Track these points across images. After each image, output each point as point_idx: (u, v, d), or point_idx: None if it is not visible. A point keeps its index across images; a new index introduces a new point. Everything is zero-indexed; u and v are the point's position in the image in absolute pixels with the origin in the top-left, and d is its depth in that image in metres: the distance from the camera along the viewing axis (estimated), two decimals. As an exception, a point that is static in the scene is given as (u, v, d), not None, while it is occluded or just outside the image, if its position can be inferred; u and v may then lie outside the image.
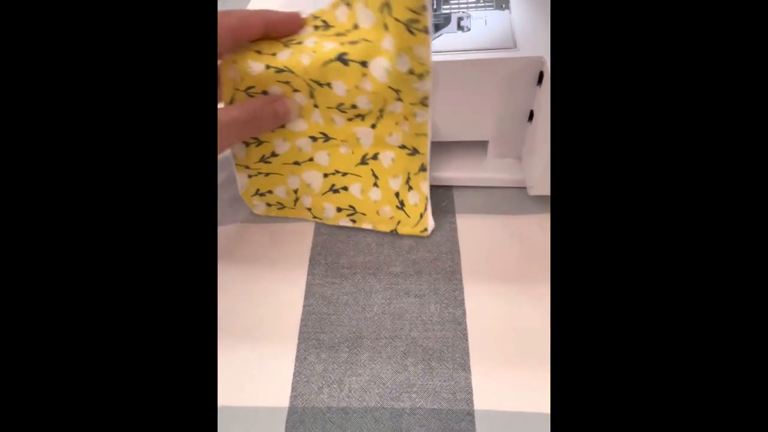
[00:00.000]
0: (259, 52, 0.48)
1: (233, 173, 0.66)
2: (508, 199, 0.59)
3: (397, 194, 0.54)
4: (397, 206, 0.54)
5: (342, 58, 0.46)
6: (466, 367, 0.46)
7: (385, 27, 0.44)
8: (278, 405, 0.45)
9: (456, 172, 0.59)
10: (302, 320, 0.51)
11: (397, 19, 0.43)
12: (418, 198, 0.54)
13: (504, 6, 0.51)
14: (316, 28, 0.47)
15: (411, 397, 0.45)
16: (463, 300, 0.51)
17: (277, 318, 0.52)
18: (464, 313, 0.50)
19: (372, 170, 0.55)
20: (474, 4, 0.52)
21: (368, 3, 0.44)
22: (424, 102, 0.49)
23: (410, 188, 0.54)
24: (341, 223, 0.56)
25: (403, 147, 0.53)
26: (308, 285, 0.54)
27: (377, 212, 0.55)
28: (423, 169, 0.53)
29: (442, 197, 0.60)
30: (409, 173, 0.54)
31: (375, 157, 0.54)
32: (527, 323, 0.48)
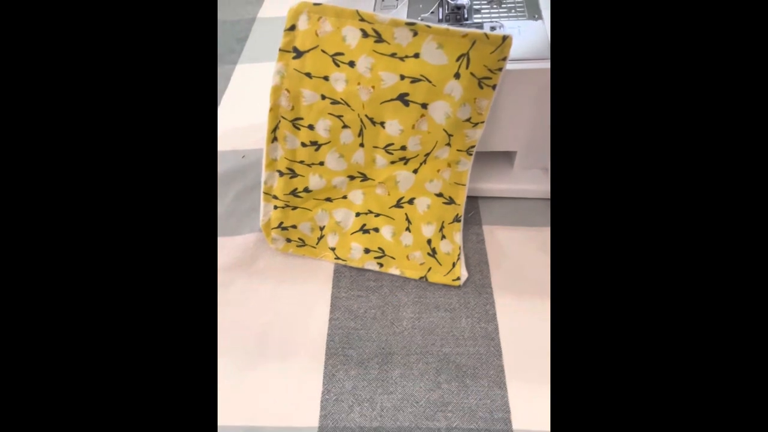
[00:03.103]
0: (309, 76, 0.48)
1: (253, 181, 0.64)
2: (534, 210, 0.58)
3: (429, 241, 0.53)
4: (428, 253, 0.53)
5: (403, 99, 0.46)
6: (501, 385, 0.45)
7: (456, 76, 0.44)
8: (307, 425, 0.44)
9: (482, 182, 0.58)
10: (329, 335, 0.50)
11: (472, 74, 0.44)
12: (450, 248, 0.53)
13: (537, 16, 0.51)
14: (366, 35, 0.45)
15: (446, 416, 0.43)
16: (494, 314, 0.50)
17: (302, 333, 0.50)
18: (496, 329, 0.49)
19: (406, 214, 0.53)
20: (506, 14, 0.52)
21: (444, 45, 0.43)
22: (469, 151, 0.50)
23: (443, 237, 0.53)
24: (367, 266, 0.54)
25: (440, 195, 0.52)
26: (333, 298, 0.53)
27: (407, 257, 0.53)
28: (458, 219, 0.53)
29: (469, 208, 0.59)
30: (443, 222, 0.53)
31: (411, 201, 0.53)
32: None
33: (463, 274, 0.52)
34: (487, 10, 0.53)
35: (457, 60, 0.44)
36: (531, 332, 0.48)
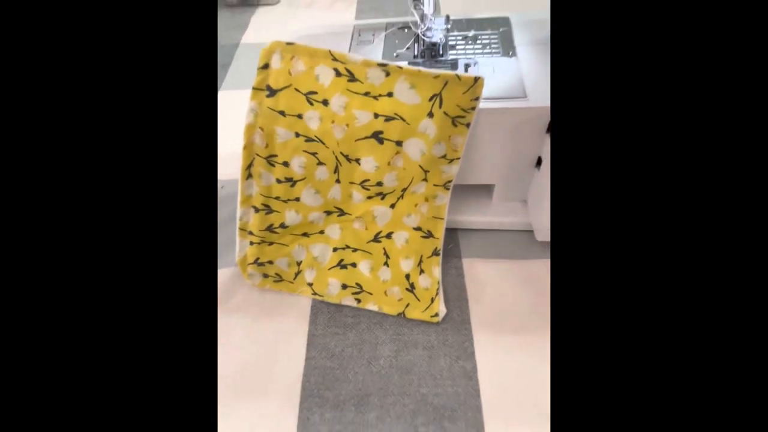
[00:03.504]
0: (283, 114, 0.48)
1: (229, 214, 0.64)
2: (514, 242, 0.58)
3: (407, 276, 0.52)
4: (407, 288, 0.52)
5: (378, 137, 0.46)
6: (479, 427, 0.44)
7: (429, 115, 0.44)
8: (281, 472, 0.42)
9: (461, 215, 0.58)
10: (305, 375, 0.48)
11: (445, 113, 0.45)
12: (429, 282, 0.52)
13: (511, 53, 0.51)
14: (339, 74, 0.45)
15: (423, 462, 0.42)
16: (473, 352, 0.49)
17: (278, 373, 0.49)
18: (475, 367, 0.48)
19: (384, 249, 0.53)
20: (480, 51, 0.52)
21: (416, 85, 0.44)
22: (447, 185, 0.50)
23: (422, 271, 0.52)
24: (344, 302, 0.53)
25: (418, 229, 0.52)
26: (310, 336, 0.52)
27: (385, 292, 0.52)
28: (436, 253, 0.52)
29: (448, 241, 0.58)
30: (421, 256, 0.53)
31: (389, 236, 0.53)
32: (541, 377, 0.46)
33: (442, 310, 0.51)
34: (462, 47, 0.53)
35: (430, 100, 0.44)
36: (510, 370, 0.47)
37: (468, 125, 0.45)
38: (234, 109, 0.81)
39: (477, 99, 0.44)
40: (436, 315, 0.51)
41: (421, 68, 0.43)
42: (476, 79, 0.43)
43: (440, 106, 0.44)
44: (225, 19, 1.04)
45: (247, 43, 0.96)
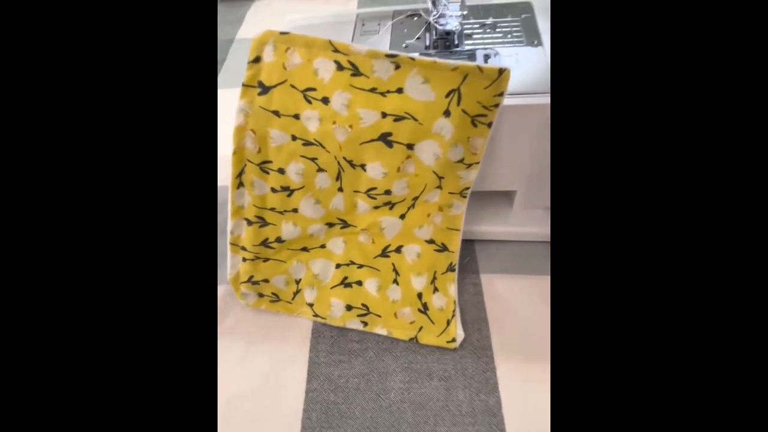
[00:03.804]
0: (277, 114, 0.42)
1: (223, 224, 0.58)
2: (537, 255, 0.52)
3: (419, 295, 0.46)
4: (419, 309, 0.46)
5: (386, 139, 0.40)
6: (506, 475, 0.38)
7: (446, 113, 0.38)
8: None
9: (479, 225, 0.52)
10: (305, 411, 0.43)
11: (464, 111, 0.39)
12: (444, 302, 0.46)
13: (536, 42, 0.45)
14: (341, 67, 0.39)
15: None
16: (496, 384, 0.43)
17: (275, 408, 0.43)
18: (499, 402, 0.42)
19: (393, 264, 0.47)
20: (501, 40, 0.46)
21: (430, 79, 0.38)
22: (463, 193, 0.44)
23: (436, 289, 0.46)
24: (349, 325, 0.47)
25: (431, 242, 0.46)
26: (311, 364, 0.46)
27: (395, 314, 0.46)
28: (452, 269, 0.46)
29: (464, 254, 0.52)
30: (435, 272, 0.46)
31: (398, 250, 0.47)
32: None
33: (459, 334, 0.45)
34: (479, 36, 0.47)
35: (447, 96, 0.38)
36: (539, 405, 0.41)
37: (489, 125, 0.39)
38: (229, 110, 0.75)
39: (501, 95, 0.38)
40: (453, 340, 0.45)
41: (437, 59, 0.37)
42: (501, 71, 0.37)
43: (458, 104, 0.38)
44: (220, 14, 0.98)
45: (242, 38, 0.91)
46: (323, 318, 0.48)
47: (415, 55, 0.38)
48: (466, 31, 0.47)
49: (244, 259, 0.48)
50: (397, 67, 0.38)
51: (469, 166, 0.42)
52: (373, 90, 0.39)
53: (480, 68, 0.37)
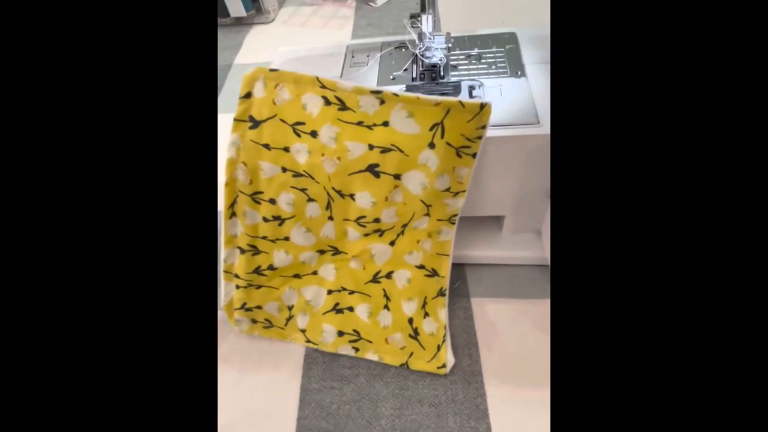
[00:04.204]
0: (268, 147, 0.43)
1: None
2: (528, 279, 0.52)
3: (410, 320, 0.47)
4: (410, 335, 0.47)
5: (373, 170, 0.41)
6: (496, 504, 0.38)
7: (431, 146, 0.40)
8: None
9: (469, 249, 0.53)
10: (297, 439, 0.43)
11: (448, 143, 0.40)
12: (435, 327, 0.47)
13: (519, 73, 0.46)
14: (328, 102, 0.41)
15: None
16: (486, 410, 0.43)
17: (266, 436, 0.43)
18: (489, 429, 0.42)
19: (384, 290, 0.48)
20: (485, 71, 0.47)
21: (415, 113, 0.39)
22: (452, 220, 0.45)
23: (426, 314, 0.47)
24: (341, 351, 0.48)
25: (421, 267, 0.47)
26: (303, 390, 0.46)
27: (386, 340, 0.47)
28: (442, 293, 0.47)
29: (454, 278, 0.53)
30: (426, 297, 0.47)
31: (389, 275, 0.48)
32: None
33: (450, 360, 0.46)
34: (465, 66, 0.48)
35: (431, 129, 0.39)
36: (529, 431, 0.42)
37: (474, 155, 0.41)
38: (227, 134, 0.77)
39: (484, 127, 0.39)
40: (444, 366, 0.45)
41: (420, 95, 0.38)
42: (482, 106, 0.38)
43: (442, 136, 0.39)
44: (219, 40, 1.00)
45: (240, 64, 0.93)
46: (315, 344, 0.48)
47: (399, 89, 0.39)
48: (452, 62, 0.49)
49: (238, 287, 0.48)
50: (382, 102, 0.39)
51: (456, 194, 0.43)
52: (360, 123, 0.40)
53: (462, 103, 0.38)
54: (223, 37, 1.01)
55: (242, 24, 1.05)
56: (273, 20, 1.05)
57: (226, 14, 1.02)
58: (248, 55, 0.95)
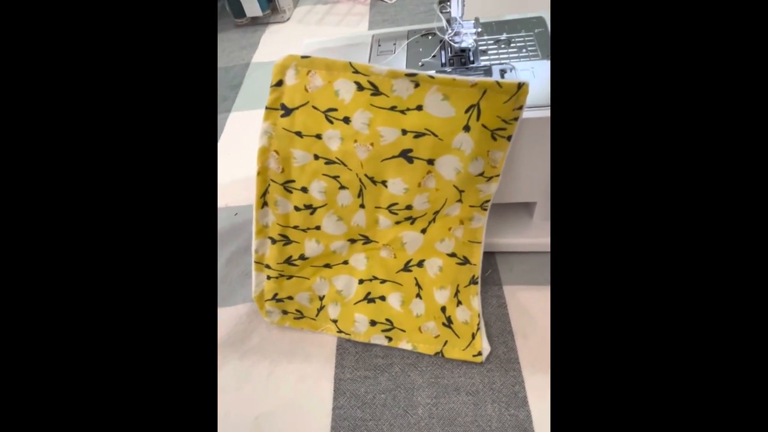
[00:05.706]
0: (300, 135, 0.43)
1: (246, 242, 0.59)
2: (560, 266, 0.52)
3: (443, 309, 0.46)
4: (443, 323, 0.46)
5: (406, 155, 0.41)
6: (541, 492, 0.37)
7: (466, 128, 0.39)
8: None
9: (499, 237, 0.52)
10: (333, 428, 0.43)
11: (484, 126, 0.39)
12: (468, 315, 0.46)
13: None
14: (361, 88, 0.40)
15: None
16: (525, 398, 0.43)
17: (302, 425, 0.43)
18: (529, 416, 0.41)
19: (416, 279, 0.47)
20: (516, 55, 0.47)
21: (450, 96, 0.38)
22: (484, 206, 0.44)
23: (459, 303, 0.46)
24: (374, 341, 0.47)
25: (452, 255, 0.46)
26: (337, 380, 0.46)
27: (419, 329, 0.46)
28: (474, 281, 0.46)
29: (485, 266, 0.52)
30: (458, 286, 0.47)
31: (420, 264, 0.47)
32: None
33: (485, 347, 0.45)
34: (495, 51, 0.48)
35: (466, 112, 0.38)
36: (570, 419, 0.41)
37: (509, 138, 0.40)
38: (246, 132, 0.77)
39: (520, 108, 0.39)
40: (479, 354, 0.45)
41: (456, 76, 0.38)
42: (520, 86, 0.37)
43: (478, 119, 0.38)
44: (235, 39, 1.01)
45: (258, 62, 0.93)
46: (347, 334, 0.48)
47: (434, 72, 0.39)
48: (480, 48, 0.48)
49: (269, 277, 0.48)
50: (417, 85, 0.39)
51: (490, 179, 0.42)
52: (393, 108, 0.40)
53: (499, 83, 0.37)
54: (240, 37, 1.02)
55: (258, 23, 1.05)
56: (288, 19, 1.05)
57: (242, 14, 1.03)
58: (265, 54, 0.96)
